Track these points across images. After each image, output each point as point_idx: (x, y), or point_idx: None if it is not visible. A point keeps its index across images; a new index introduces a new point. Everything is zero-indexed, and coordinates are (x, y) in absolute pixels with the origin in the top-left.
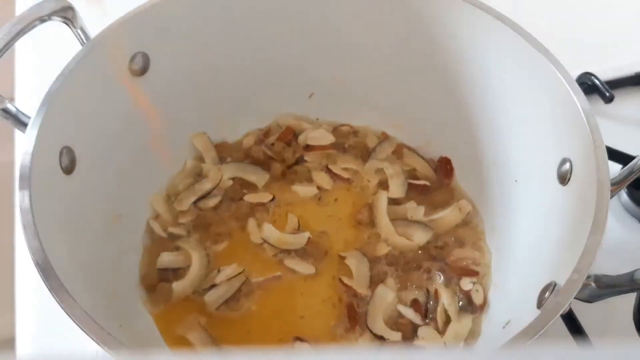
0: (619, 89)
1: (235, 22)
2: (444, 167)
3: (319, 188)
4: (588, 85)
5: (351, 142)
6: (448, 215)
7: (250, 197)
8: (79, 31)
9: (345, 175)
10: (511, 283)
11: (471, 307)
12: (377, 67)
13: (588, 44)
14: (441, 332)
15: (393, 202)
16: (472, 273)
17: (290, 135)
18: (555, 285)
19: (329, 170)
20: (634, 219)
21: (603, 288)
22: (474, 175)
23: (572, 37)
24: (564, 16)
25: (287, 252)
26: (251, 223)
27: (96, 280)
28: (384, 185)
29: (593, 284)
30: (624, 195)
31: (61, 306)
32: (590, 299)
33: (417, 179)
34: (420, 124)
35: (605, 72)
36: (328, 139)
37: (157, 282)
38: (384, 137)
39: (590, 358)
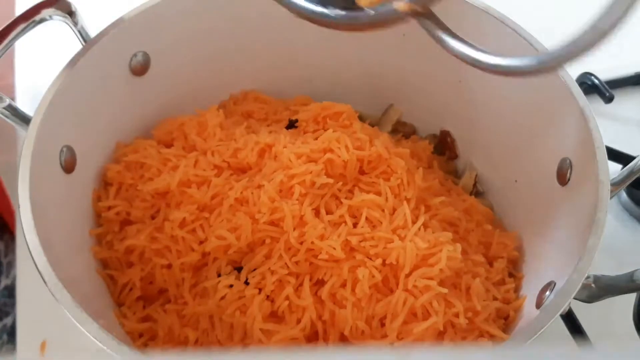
0: (619, 89)
1: (236, 21)
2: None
3: None
4: (588, 85)
5: None
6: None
7: None
8: (79, 31)
9: None
10: None
11: None
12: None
13: None
14: None
15: None
16: None
17: None
18: (554, 285)
19: None
20: (634, 219)
21: (602, 288)
22: None
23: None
24: (564, 16)
25: None
26: None
27: (96, 280)
28: None
29: (592, 285)
30: (623, 195)
31: (61, 306)
32: (589, 300)
33: None
34: (418, 123)
35: (605, 72)
36: None
37: None
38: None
39: (590, 358)
